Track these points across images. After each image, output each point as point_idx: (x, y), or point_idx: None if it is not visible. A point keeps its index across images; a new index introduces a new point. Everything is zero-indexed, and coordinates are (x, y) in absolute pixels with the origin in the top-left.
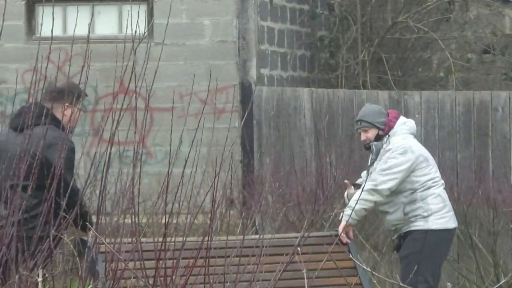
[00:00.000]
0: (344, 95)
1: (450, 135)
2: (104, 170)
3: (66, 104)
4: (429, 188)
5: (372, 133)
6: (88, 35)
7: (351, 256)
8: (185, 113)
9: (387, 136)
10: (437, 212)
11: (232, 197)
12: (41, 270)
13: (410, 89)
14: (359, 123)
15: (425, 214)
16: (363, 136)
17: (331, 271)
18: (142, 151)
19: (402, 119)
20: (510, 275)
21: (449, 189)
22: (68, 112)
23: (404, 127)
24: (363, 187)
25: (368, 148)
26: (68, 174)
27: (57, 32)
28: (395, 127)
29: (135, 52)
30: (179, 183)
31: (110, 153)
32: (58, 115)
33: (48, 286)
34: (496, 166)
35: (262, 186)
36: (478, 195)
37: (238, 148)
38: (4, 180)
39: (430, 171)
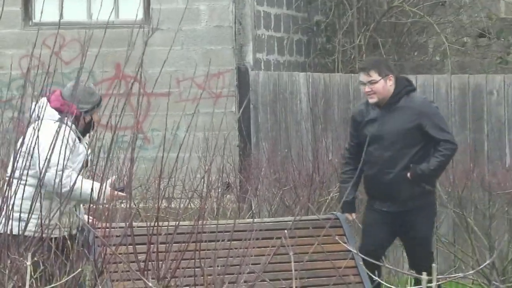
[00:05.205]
0: (340, 79)
1: (446, 118)
2: (97, 155)
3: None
4: None
5: None
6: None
7: (337, 238)
8: (182, 98)
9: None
10: None
11: (229, 181)
12: (30, 254)
13: (406, 73)
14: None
15: None
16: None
17: (327, 254)
18: (135, 135)
19: None
20: (495, 253)
21: (444, 172)
22: None
23: None
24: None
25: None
26: None
27: (54, 18)
28: None
29: (131, 38)
30: (173, 167)
31: (112, 138)
32: None
33: (39, 270)
34: (491, 149)
35: (258, 170)
36: (473, 178)
37: (235, 133)
38: None
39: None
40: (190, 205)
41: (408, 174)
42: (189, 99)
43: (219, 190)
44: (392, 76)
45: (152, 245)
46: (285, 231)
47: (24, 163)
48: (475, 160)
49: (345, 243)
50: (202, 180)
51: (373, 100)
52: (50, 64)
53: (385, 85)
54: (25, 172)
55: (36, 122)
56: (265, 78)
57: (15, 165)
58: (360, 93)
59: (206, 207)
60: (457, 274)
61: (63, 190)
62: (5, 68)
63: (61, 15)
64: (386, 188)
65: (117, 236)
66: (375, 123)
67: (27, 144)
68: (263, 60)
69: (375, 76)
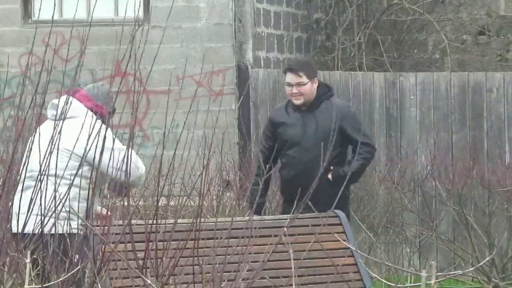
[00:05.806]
0: (340, 77)
1: (445, 116)
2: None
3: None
4: None
5: None
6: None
7: (336, 236)
8: (181, 96)
9: None
10: None
11: (228, 178)
12: (29, 251)
13: (406, 71)
14: None
15: None
16: None
17: (326, 252)
18: (133, 133)
19: None
20: (495, 251)
21: (444, 170)
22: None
23: None
24: None
25: None
26: None
27: (54, 15)
28: None
29: (131, 36)
30: (171, 164)
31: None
32: None
33: (38, 268)
34: (490, 147)
35: None
36: (473, 176)
37: (234, 130)
38: None
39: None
40: (190, 203)
41: (330, 176)
42: (189, 96)
43: (219, 188)
44: (317, 79)
45: (150, 243)
46: (284, 228)
47: (57, 161)
48: (475, 158)
49: (344, 240)
50: (201, 177)
51: (298, 101)
52: (49, 61)
53: (312, 87)
54: (69, 172)
55: (69, 119)
56: (264, 76)
57: (48, 163)
58: (359, 91)
59: (205, 204)
60: (456, 271)
61: (138, 173)
62: (5, 66)
63: (60, 13)
64: (305, 191)
65: (116, 234)
66: (296, 127)
67: (68, 142)
68: (262, 58)
69: (304, 78)
